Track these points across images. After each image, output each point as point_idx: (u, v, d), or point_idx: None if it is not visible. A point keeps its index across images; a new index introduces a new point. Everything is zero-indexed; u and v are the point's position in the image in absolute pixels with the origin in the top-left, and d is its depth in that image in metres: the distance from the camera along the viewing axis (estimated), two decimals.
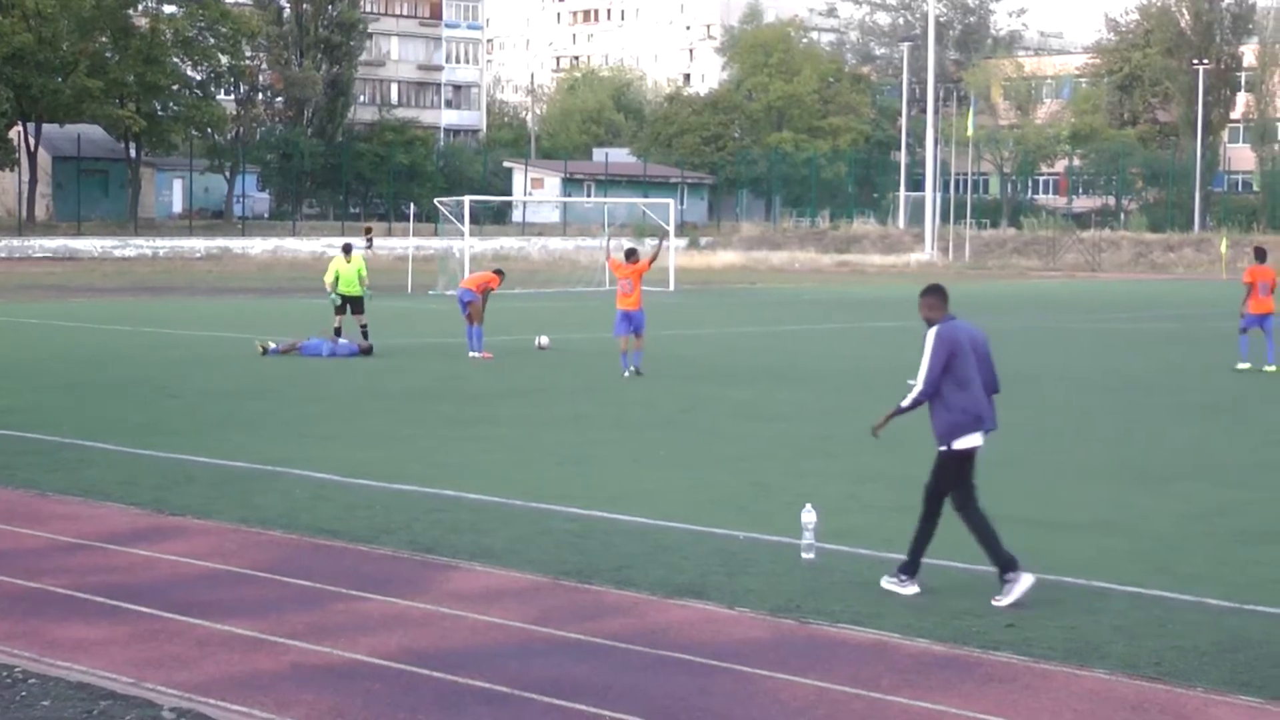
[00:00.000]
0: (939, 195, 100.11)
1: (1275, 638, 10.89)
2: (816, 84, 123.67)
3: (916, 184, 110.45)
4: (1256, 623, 11.32)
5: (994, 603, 11.71)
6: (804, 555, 12.94)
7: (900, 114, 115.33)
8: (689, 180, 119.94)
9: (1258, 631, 11.06)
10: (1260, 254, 32.54)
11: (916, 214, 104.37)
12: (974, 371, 11.99)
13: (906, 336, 38.15)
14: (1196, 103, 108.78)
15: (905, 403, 12.15)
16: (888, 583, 12.14)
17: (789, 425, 22.23)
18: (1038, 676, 9.99)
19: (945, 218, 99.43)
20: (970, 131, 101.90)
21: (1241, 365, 30.74)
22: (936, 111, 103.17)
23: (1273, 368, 30.34)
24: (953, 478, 12.05)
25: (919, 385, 11.98)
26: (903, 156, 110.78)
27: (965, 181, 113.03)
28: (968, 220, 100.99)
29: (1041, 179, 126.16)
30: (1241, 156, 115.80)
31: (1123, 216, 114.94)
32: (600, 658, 10.31)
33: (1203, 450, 20.21)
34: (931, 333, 12.00)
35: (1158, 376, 30.05)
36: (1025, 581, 11.76)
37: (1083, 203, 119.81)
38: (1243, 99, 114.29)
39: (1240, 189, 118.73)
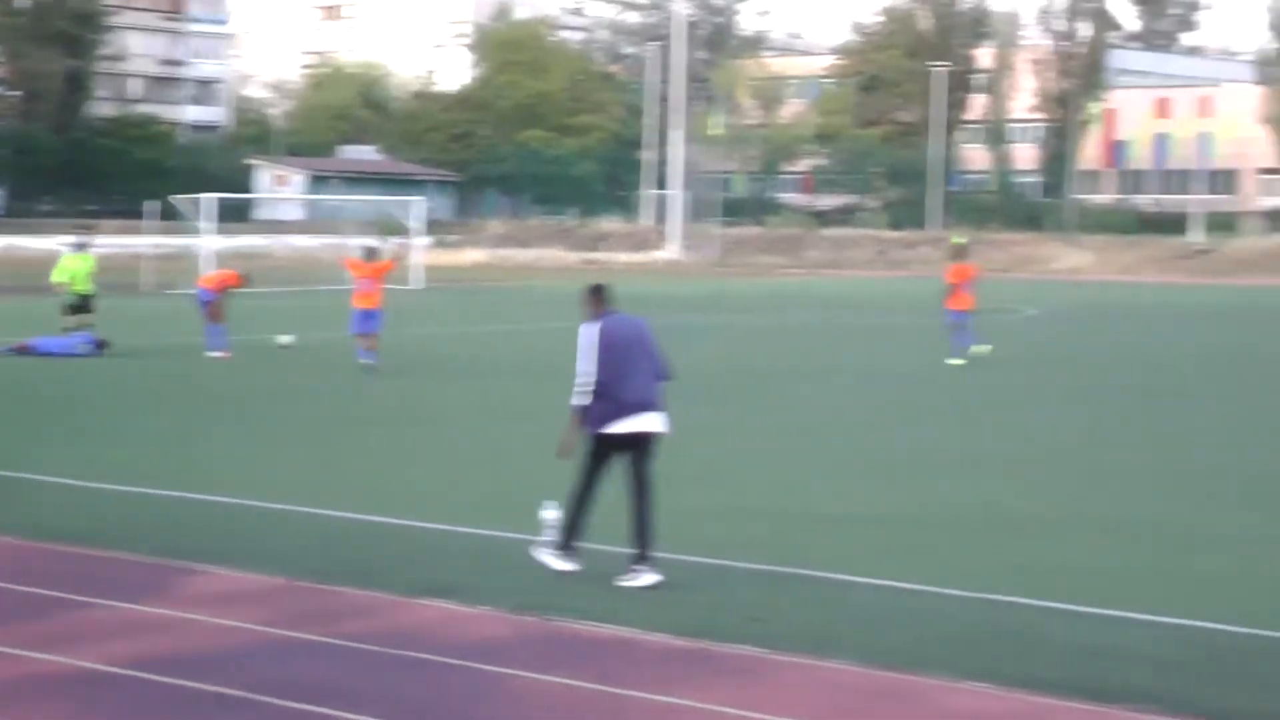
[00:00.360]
0: (685, 193, 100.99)
1: (1013, 626, 11.11)
2: (566, 82, 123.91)
3: (664, 182, 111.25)
4: (993, 610, 11.53)
5: (539, 564, 12.33)
6: (538, 553, 12.84)
7: (648, 113, 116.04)
8: (436, 178, 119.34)
9: (994, 619, 11.27)
10: (959, 252, 33.36)
11: (664, 212, 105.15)
12: (635, 363, 12.19)
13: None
14: (935, 104, 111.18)
15: (574, 403, 12.32)
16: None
17: (539, 423, 22.15)
18: (780, 668, 10.05)
19: (692, 215, 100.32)
20: (718, 130, 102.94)
21: (962, 357, 31.60)
22: (684, 111, 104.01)
23: (959, 361, 31.11)
24: (601, 460, 12.35)
25: (579, 380, 12.15)
26: (651, 154, 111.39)
27: (712, 180, 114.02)
28: (715, 218, 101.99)
29: (787, 177, 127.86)
30: (977, 156, 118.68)
31: (864, 214, 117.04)
32: (341, 659, 10.15)
33: (945, 443, 20.59)
34: (587, 328, 12.21)
35: (907, 370, 30.57)
36: (567, 565, 12.30)
37: (826, 201, 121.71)
38: (979, 100, 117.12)
39: (976, 188, 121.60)
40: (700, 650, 10.42)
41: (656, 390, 12.40)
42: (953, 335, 31.84)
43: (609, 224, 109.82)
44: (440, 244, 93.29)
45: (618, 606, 11.47)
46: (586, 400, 12.16)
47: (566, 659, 10.19)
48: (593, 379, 12.08)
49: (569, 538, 12.46)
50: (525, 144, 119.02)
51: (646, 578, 12.11)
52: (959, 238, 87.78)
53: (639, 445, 12.34)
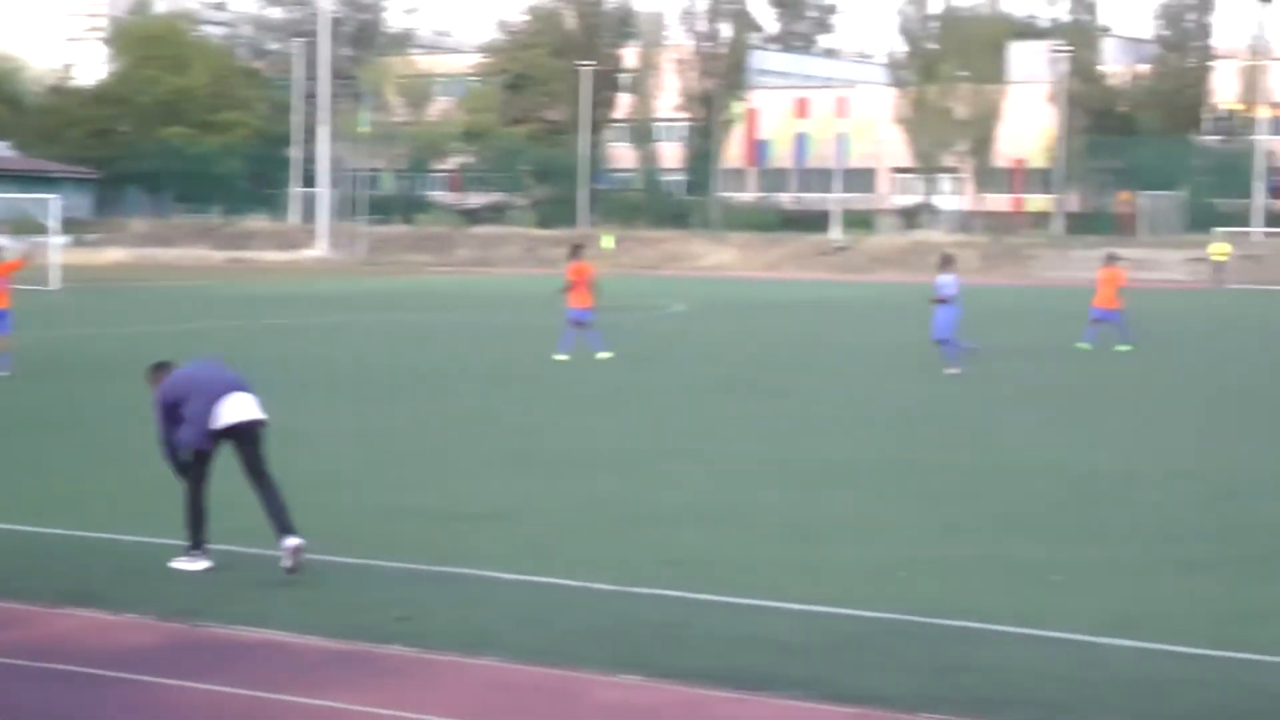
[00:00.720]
0: (333, 191, 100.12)
1: (659, 618, 11.31)
2: (208, 78, 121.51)
3: (311, 180, 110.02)
4: (639, 604, 11.73)
5: (172, 564, 12.62)
6: (174, 563, 12.69)
7: (294, 109, 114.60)
8: (74, 175, 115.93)
9: (643, 612, 11.47)
10: (576, 250, 33.98)
11: (311, 210, 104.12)
12: (204, 397, 12.63)
13: (301, 334, 37.98)
14: (582, 103, 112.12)
15: (172, 464, 12.96)
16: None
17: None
18: (433, 667, 10.08)
19: (340, 214, 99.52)
20: (365, 128, 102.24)
21: (592, 355, 32.25)
22: (330, 108, 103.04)
23: (565, 357, 31.80)
24: (204, 461, 12.78)
25: (161, 448, 12.91)
26: (297, 152, 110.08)
27: (360, 178, 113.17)
28: (362, 216, 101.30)
29: (435, 176, 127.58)
30: (624, 155, 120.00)
31: (513, 213, 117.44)
32: None
33: (590, 439, 20.83)
34: (154, 397, 12.84)
35: (553, 368, 30.77)
36: (202, 563, 12.62)
37: (475, 199, 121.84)
38: (625, 99, 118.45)
39: (623, 186, 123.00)
40: (353, 652, 10.39)
41: (243, 383, 12.93)
42: (582, 333, 32.32)
43: (255, 222, 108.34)
44: (79, 243, 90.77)
45: (267, 610, 11.35)
46: (184, 455, 12.78)
47: (217, 665, 10.06)
48: (170, 436, 12.76)
49: (195, 537, 12.70)
50: (167, 141, 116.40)
51: (286, 544, 12.41)
52: (609, 236, 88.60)
53: (244, 436, 12.69)
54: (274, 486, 12.70)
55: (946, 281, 30.64)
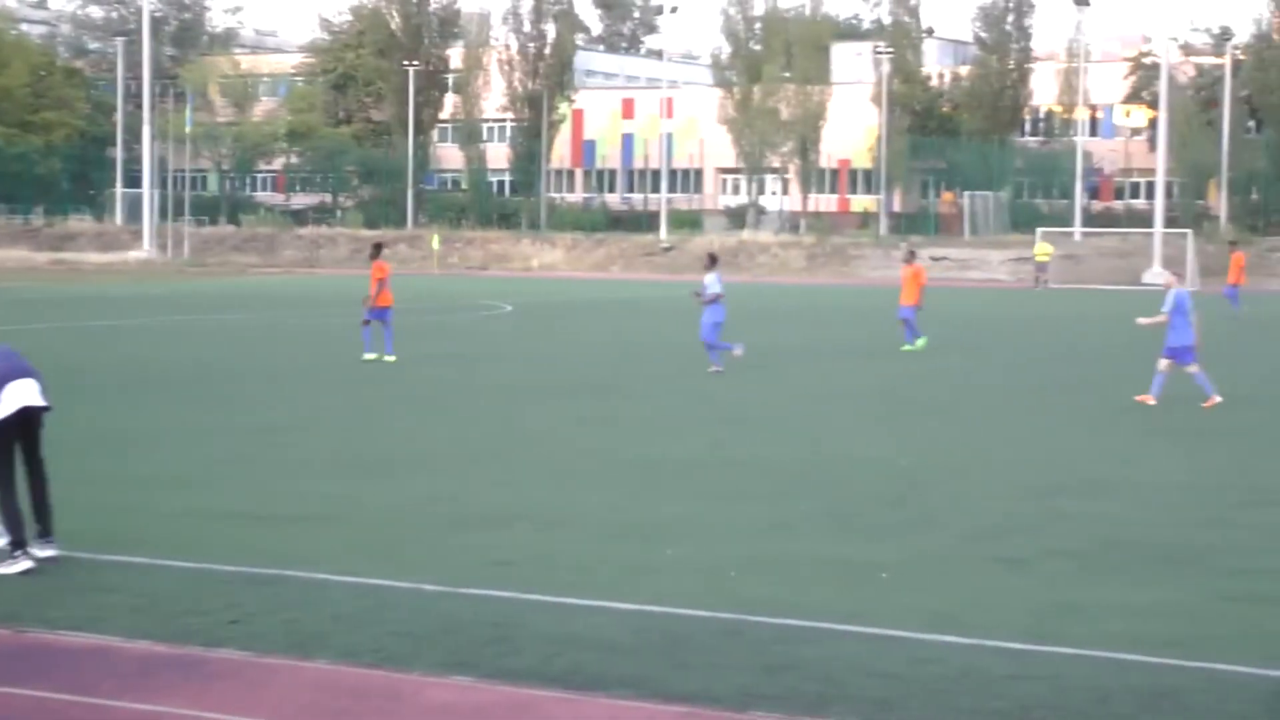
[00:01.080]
0: (157, 192, 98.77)
1: (485, 618, 11.32)
2: (28, 77, 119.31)
3: (134, 180, 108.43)
4: (469, 605, 11.74)
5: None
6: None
7: (116, 109, 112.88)
8: None
9: (470, 613, 11.47)
10: (376, 250, 33.88)
11: (135, 211, 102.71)
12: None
13: (124, 334, 37.47)
14: (408, 103, 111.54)
15: None
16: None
17: None
18: (262, 670, 10.03)
19: (164, 214, 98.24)
20: (188, 128, 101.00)
21: (368, 355, 32.22)
22: (154, 108, 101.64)
23: (392, 358, 31.85)
24: (4, 454, 12.74)
25: None
26: (120, 153, 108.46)
27: (184, 178, 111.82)
28: (186, 217, 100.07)
29: (260, 176, 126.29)
30: (450, 155, 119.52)
31: (340, 213, 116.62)
32: None
33: (415, 441, 20.78)
34: None
35: (381, 370, 30.62)
36: (22, 564, 12.47)
37: (301, 199, 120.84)
38: (450, 100, 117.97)
39: (450, 187, 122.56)
40: (183, 656, 10.30)
41: (32, 370, 12.96)
42: (385, 332, 32.27)
43: (78, 223, 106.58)
44: None
45: (93, 614, 11.22)
46: None
47: (42, 671, 9.92)
48: None
49: (14, 535, 12.59)
50: None
51: (36, 554, 12.50)
52: (435, 237, 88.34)
53: (30, 422, 12.81)
54: (45, 479, 12.88)
55: (710, 281, 31.03)
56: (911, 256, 38.73)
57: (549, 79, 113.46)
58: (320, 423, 22.64)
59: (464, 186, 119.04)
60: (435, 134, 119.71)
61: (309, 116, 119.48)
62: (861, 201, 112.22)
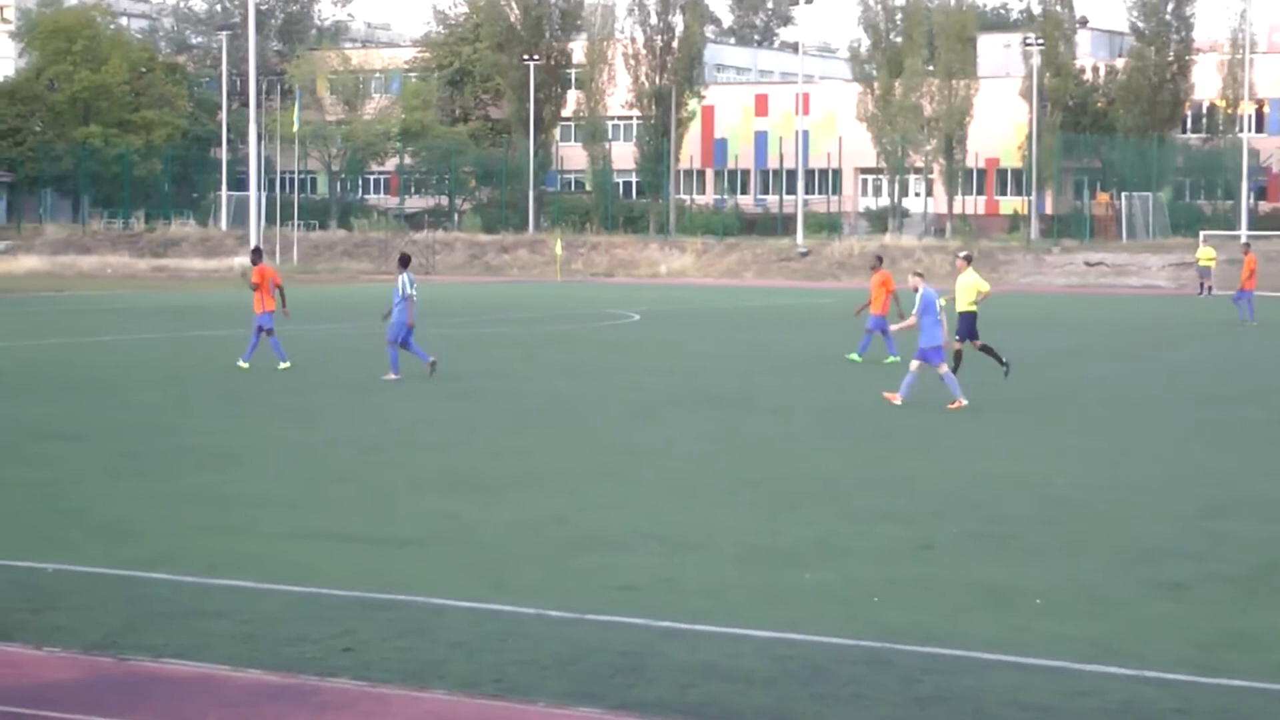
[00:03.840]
0: (263, 195, 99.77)
1: (612, 646, 11.32)
2: (127, 74, 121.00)
3: (240, 183, 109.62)
4: (594, 632, 11.74)
5: None
6: None
7: (221, 108, 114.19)
8: None
9: (595, 641, 11.47)
10: (256, 255, 34.54)
11: (240, 215, 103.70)
12: None
13: (231, 345, 37.88)
14: (528, 100, 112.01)
15: None
16: None
17: (94, 444, 21.76)
18: (376, 701, 10.07)
19: (271, 219, 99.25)
20: (295, 127, 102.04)
21: (283, 365, 32.26)
22: (260, 106, 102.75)
23: (286, 364, 32.03)
24: None
25: None
26: (224, 153, 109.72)
27: (292, 180, 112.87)
28: (295, 221, 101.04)
29: (372, 178, 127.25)
30: (573, 155, 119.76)
31: (456, 217, 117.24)
32: None
33: (533, 457, 20.82)
34: None
35: (493, 382, 30.77)
36: None
37: (415, 203, 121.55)
38: (573, 96, 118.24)
39: (573, 188, 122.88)
40: (293, 685, 10.38)
41: None
42: (271, 340, 32.50)
43: (180, 228, 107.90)
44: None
45: (198, 641, 11.33)
46: None
47: (145, 701, 10.03)
48: None
49: None
50: (84, 141, 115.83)
51: None
52: (558, 241, 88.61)
53: None
54: None
55: (402, 282, 31.08)
56: (879, 263, 37.70)
57: (677, 74, 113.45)
58: (430, 438, 22.75)
59: (588, 188, 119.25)
60: (557, 132, 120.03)
61: (423, 114, 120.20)
62: (1010, 203, 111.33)
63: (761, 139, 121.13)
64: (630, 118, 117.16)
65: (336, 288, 74.92)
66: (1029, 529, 15.99)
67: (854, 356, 35.66)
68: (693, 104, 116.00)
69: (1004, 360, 31.00)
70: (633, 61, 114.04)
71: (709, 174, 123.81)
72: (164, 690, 10.29)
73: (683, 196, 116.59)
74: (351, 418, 25.16)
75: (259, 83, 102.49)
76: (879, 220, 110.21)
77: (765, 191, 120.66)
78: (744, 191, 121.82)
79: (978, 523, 16.32)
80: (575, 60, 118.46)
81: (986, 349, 31.54)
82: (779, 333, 47.04)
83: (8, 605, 12.40)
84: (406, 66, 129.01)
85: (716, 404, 27.31)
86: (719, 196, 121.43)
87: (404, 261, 32.01)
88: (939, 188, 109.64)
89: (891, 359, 34.84)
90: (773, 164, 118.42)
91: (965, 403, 26.41)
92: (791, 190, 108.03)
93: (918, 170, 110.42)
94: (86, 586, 13.04)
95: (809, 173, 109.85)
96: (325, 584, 13.08)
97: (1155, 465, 20.77)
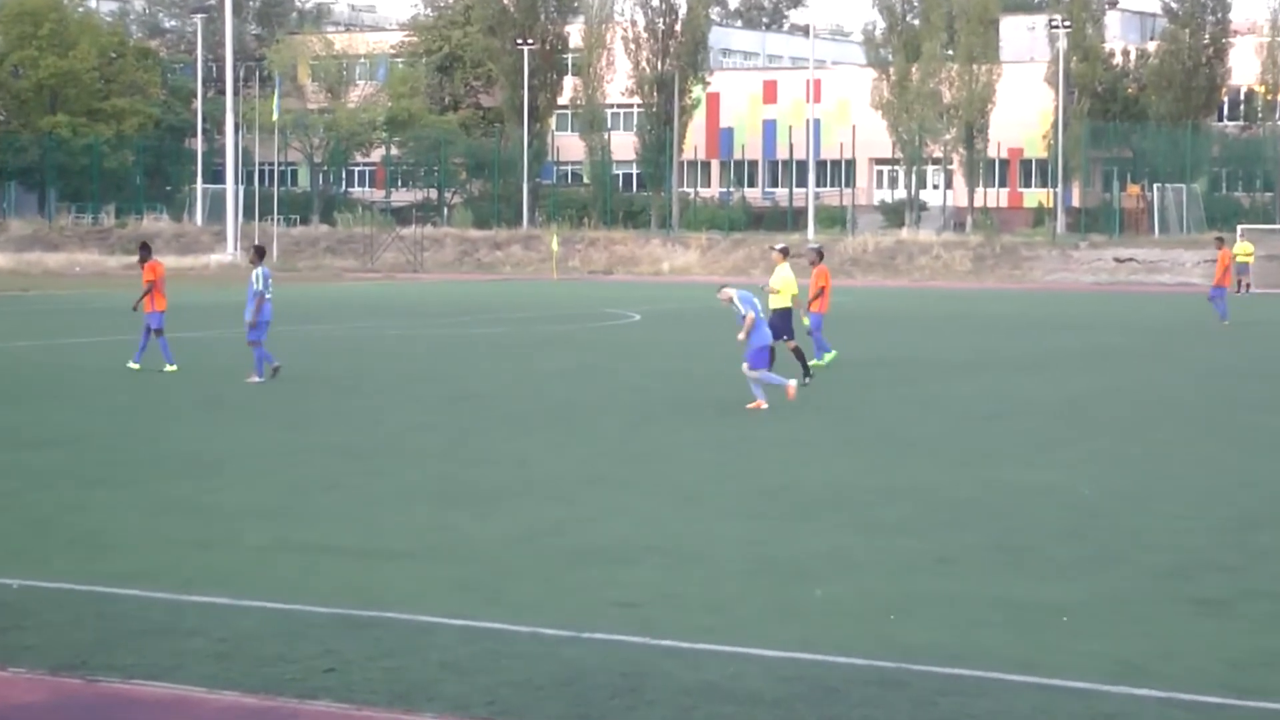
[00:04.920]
0: (241, 188, 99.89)
1: (611, 666, 11.34)
2: (96, 60, 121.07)
3: (216, 175, 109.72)
4: (592, 651, 11.76)
5: None
6: None
7: (196, 95, 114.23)
8: None
9: (593, 660, 11.49)
10: (145, 250, 34.59)
11: (217, 209, 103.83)
12: None
13: (213, 346, 37.91)
14: (522, 87, 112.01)
15: None
16: None
17: (64, 451, 21.79)
18: None
19: (249, 213, 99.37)
20: (275, 116, 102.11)
21: (132, 365, 32.56)
22: (237, 94, 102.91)
23: (173, 368, 32.32)
24: None
25: None
26: (199, 144, 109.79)
27: (272, 172, 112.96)
28: (275, 216, 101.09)
29: (357, 170, 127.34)
30: (570, 146, 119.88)
31: (446, 211, 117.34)
32: None
33: (528, 465, 20.85)
34: None
35: (490, 386, 30.82)
36: None
37: (402, 196, 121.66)
38: (570, 83, 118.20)
39: (570, 181, 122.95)
40: (273, 708, 10.40)
41: None
42: (159, 340, 32.74)
43: (153, 223, 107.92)
44: None
45: (172, 661, 11.36)
46: None
47: None
48: None
49: None
50: (50, 131, 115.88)
51: None
52: (554, 237, 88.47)
53: None
54: None
55: (254, 276, 31.35)
56: (819, 257, 37.17)
57: (680, 59, 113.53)
58: (420, 445, 22.78)
59: (585, 180, 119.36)
60: (553, 122, 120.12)
61: (411, 102, 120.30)
62: (1035, 196, 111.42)
63: (770, 128, 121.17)
64: (631, 106, 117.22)
65: (319, 286, 74.94)
66: (1054, 541, 16.01)
67: (817, 362, 34.82)
68: (697, 91, 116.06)
69: (808, 370, 30.82)
70: (633, 46, 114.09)
71: (714, 165, 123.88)
72: (136, 713, 10.32)
73: (686, 189, 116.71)
74: (338, 423, 25.18)
75: (236, 69, 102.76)
76: (895, 214, 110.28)
77: (774, 184, 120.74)
78: (751, 184, 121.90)
79: (999, 534, 16.34)
80: (572, 44, 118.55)
81: (798, 352, 31.30)
82: None
83: None
84: (393, 51, 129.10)
85: (722, 408, 27.33)
86: (725, 189, 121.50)
87: (259, 254, 32.13)
88: (959, 179, 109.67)
89: (817, 363, 34.31)
90: (782, 154, 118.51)
91: (765, 405, 26.81)
92: (802, 182, 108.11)
93: (936, 161, 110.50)
94: (55, 603, 13.06)
95: (820, 164, 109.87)
96: (307, 600, 13.10)
97: (1189, 474, 20.79)
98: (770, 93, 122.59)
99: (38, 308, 56.71)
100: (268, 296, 31.41)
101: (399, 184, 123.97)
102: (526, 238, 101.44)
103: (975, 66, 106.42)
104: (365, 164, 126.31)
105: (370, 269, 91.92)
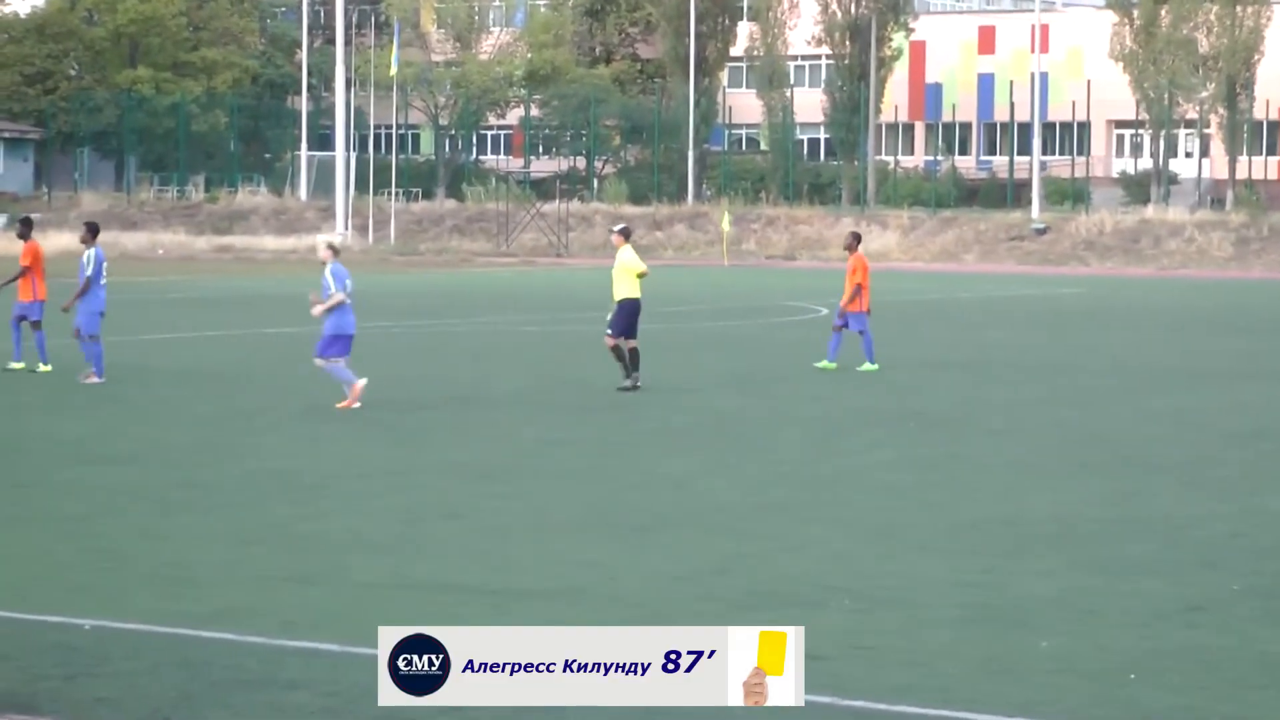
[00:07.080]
0: (353, 155, 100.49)
1: None
2: (184, 3, 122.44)
3: (323, 141, 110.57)
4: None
5: None
6: None
7: (300, 46, 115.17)
8: (5, 133, 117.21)
9: None
10: (26, 226, 34.54)
11: (324, 181, 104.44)
12: None
13: (307, 344, 38.24)
14: (687, 35, 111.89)
15: None
16: None
17: (142, 469, 22.02)
18: None
19: (362, 186, 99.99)
20: (394, 70, 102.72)
21: (14, 365, 32.74)
22: (349, 43, 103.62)
23: (46, 367, 32.59)
24: None
25: None
26: (304, 103, 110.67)
27: (389, 138, 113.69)
28: (393, 189, 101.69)
29: (490, 134, 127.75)
30: (745, 105, 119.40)
31: (596, 184, 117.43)
32: None
33: (688, 489, 20.84)
34: None
35: (637, 394, 30.80)
36: None
37: (543, 166, 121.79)
38: (745, 30, 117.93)
39: (745, 147, 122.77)
40: None
41: None
42: (30, 332, 32.94)
43: (249, 198, 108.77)
44: (12, 225, 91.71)
45: (272, 716, 11.46)
46: None
47: None
48: None
49: None
50: (130, 88, 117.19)
51: None
52: (726, 215, 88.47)
53: None
54: None
55: (85, 259, 31.63)
56: (856, 241, 36.17)
57: (878, 1, 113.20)
58: (557, 463, 22.84)
59: (763, 147, 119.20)
60: (724, 76, 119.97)
61: (554, 53, 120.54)
62: None
63: (986, 84, 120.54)
64: (818, 58, 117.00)
65: (444, 273, 75.40)
66: None
67: (829, 364, 34.44)
68: (898, 39, 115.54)
69: (634, 378, 30.50)
70: None
71: (918, 129, 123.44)
72: None
73: (885, 158, 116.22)
74: (461, 438, 25.31)
75: (348, 14, 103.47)
76: (1138, 188, 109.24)
77: (991, 152, 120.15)
78: (963, 152, 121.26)
79: (1265, 577, 16.18)
80: None
81: (633, 353, 30.70)
82: (1008, 332, 46.79)
83: (37, 671, 12.60)
84: None
85: (924, 423, 27.24)
86: (931, 158, 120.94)
87: (93, 231, 32.28)
88: (1217, 146, 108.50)
89: (825, 364, 34.13)
90: (1000, 116, 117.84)
91: (359, 405, 27.13)
92: (1025, 150, 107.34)
93: (1190, 124, 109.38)
94: (131, 648, 13.21)
95: (1048, 127, 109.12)
96: (359, 640, 13.16)
97: None
98: (987, 41, 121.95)
99: (111, 297, 57.33)
100: (101, 283, 31.66)
101: (540, 151, 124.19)
102: (692, 215, 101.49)
103: (1240, 8, 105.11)
104: (500, 127, 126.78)
105: (504, 252, 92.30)
